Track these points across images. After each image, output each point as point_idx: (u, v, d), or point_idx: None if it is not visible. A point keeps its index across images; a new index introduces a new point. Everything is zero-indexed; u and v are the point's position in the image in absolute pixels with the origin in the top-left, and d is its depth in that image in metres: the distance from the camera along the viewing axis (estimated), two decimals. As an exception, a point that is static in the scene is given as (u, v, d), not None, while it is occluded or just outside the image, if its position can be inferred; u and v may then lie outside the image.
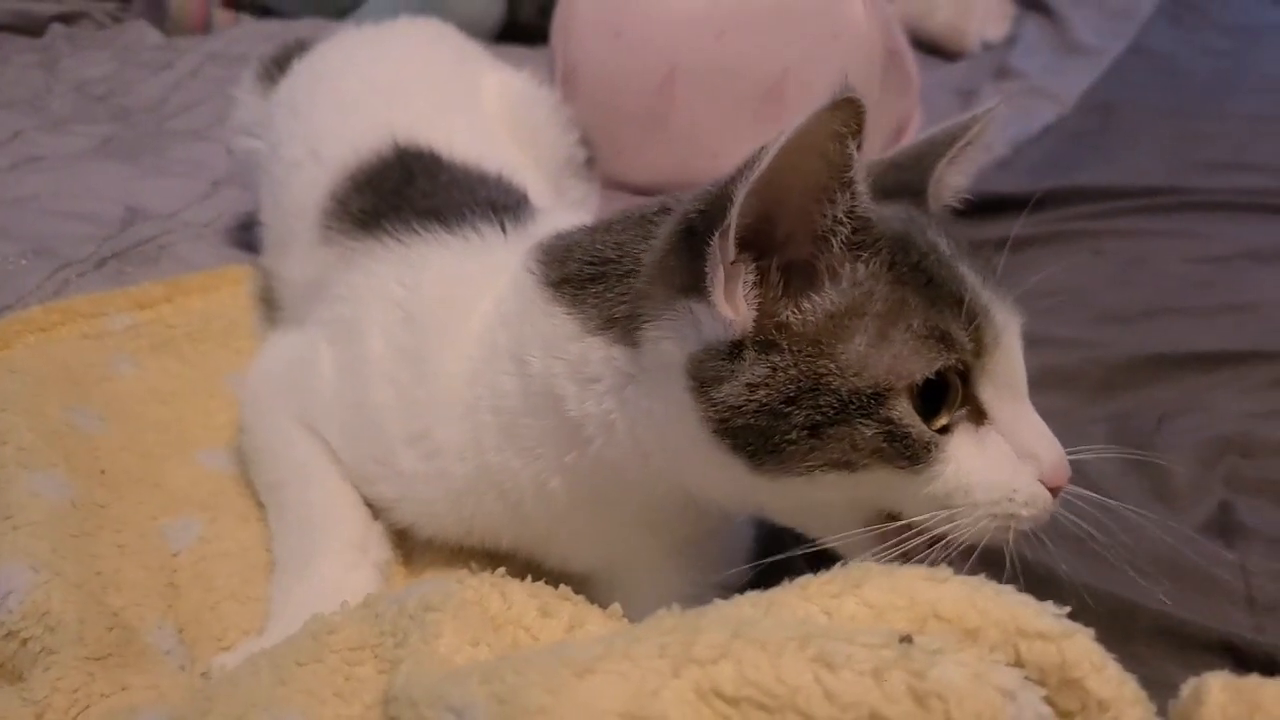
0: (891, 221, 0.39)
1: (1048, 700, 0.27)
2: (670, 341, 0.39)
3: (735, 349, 0.37)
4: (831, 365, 0.37)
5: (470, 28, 0.92)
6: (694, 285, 0.38)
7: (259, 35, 1.44)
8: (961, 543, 0.37)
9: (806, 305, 0.37)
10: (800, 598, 0.30)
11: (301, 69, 0.76)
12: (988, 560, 0.37)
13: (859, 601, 0.29)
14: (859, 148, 0.35)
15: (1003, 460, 0.38)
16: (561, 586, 0.39)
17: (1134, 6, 1.57)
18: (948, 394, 0.38)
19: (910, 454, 0.37)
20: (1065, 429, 0.40)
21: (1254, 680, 0.31)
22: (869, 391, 0.36)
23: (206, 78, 1.30)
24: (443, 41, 0.81)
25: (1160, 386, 0.67)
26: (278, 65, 0.79)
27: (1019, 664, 0.28)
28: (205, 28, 1.57)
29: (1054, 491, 0.38)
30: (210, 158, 1.01)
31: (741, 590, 0.32)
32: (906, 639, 0.27)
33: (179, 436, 0.58)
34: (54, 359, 0.60)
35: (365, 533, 0.51)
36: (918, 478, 0.37)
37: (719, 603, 0.31)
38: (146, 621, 0.45)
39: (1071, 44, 1.46)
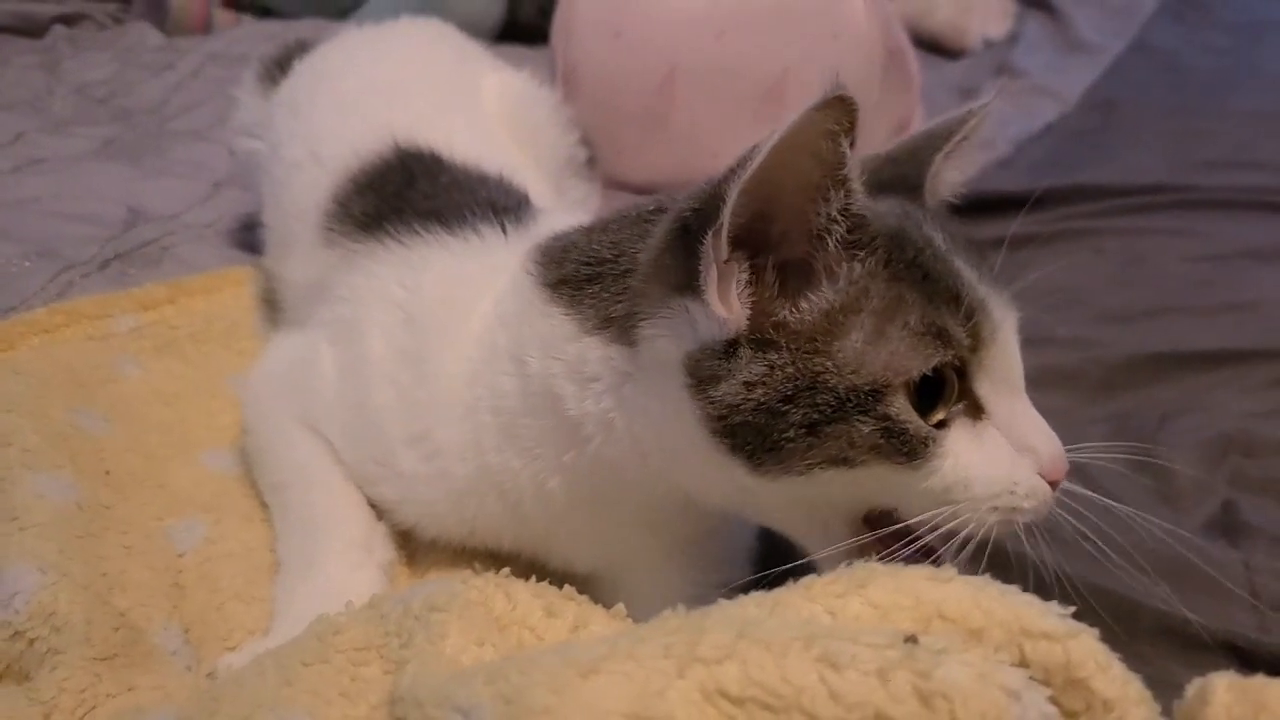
0: (887, 217, 0.39)
1: (1053, 700, 0.28)
2: (666, 340, 0.39)
3: (731, 347, 0.37)
4: (828, 363, 0.37)
5: (470, 28, 0.92)
6: (688, 284, 0.38)
7: (260, 36, 1.44)
8: (968, 538, 0.37)
9: (803, 303, 0.37)
10: (805, 598, 0.30)
11: (302, 70, 0.76)
12: (991, 561, 0.37)
13: (864, 602, 0.29)
14: (852, 145, 0.35)
15: (1001, 454, 0.38)
16: (566, 587, 0.39)
17: (1136, 4, 1.57)
18: (944, 389, 0.38)
19: (908, 450, 0.37)
20: (1066, 429, 0.40)
21: (1259, 680, 0.31)
22: (866, 389, 0.36)
23: (207, 78, 1.30)
24: (443, 42, 0.81)
25: (1161, 386, 0.67)
26: (279, 66, 0.79)
27: (1024, 664, 0.28)
28: (206, 28, 1.57)
29: (1053, 485, 0.38)
30: (211, 159, 1.01)
31: (745, 590, 0.32)
32: (911, 639, 0.27)
33: (183, 437, 0.59)
34: (58, 360, 0.60)
35: (369, 533, 0.51)
36: (916, 473, 0.37)
37: (723, 603, 0.31)
38: (153, 622, 0.45)
39: (1073, 42, 1.46)
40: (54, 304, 0.67)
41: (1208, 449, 0.59)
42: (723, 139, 0.99)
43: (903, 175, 0.44)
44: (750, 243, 0.37)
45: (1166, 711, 0.31)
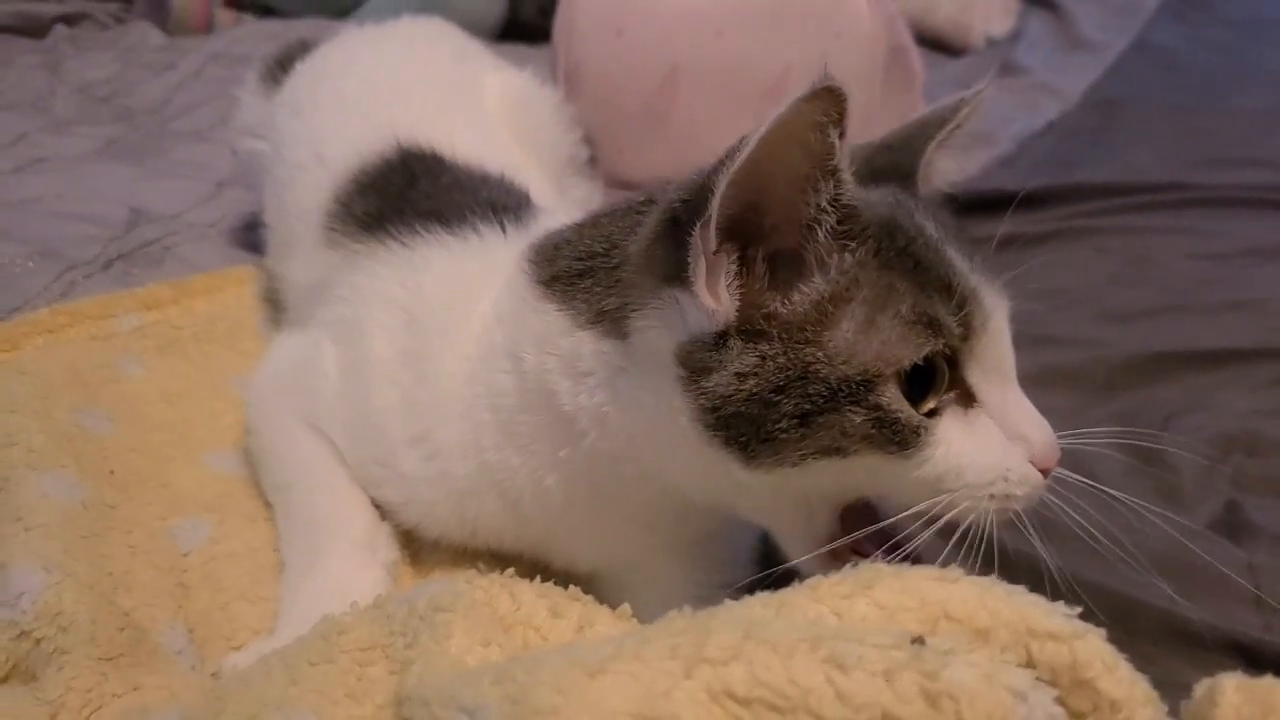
0: (878, 206, 0.39)
1: (1059, 701, 0.27)
2: (657, 331, 0.39)
3: (721, 339, 0.37)
4: (820, 353, 0.37)
5: (471, 26, 0.92)
6: (678, 275, 0.38)
7: (261, 35, 1.44)
8: (965, 526, 0.37)
9: (794, 294, 0.37)
10: (811, 599, 0.30)
11: (304, 70, 0.76)
12: (988, 558, 0.37)
13: (870, 602, 0.29)
14: (842, 136, 0.35)
15: (993, 442, 0.38)
16: (571, 587, 0.39)
17: (1138, 2, 1.57)
18: (935, 378, 0.38)
19: (900, 439, 0.37)
20: (1070, 428, 0.40)
21: (1269, 681, 0.31)
22: (858, 379, 0.36)
23: (209, 78, 1.30)
24: (445, 41, 0.81)
25: (1165, 385, 0.67)
26: (281, 66, 0.79)
27: (1030, 665, 0.28)
28: (207, 28, 1.57)
29: (1045, 473, 0.38)
30: (213, 159, 1.01)
31: (749, 590, 0.32)
32: (918, 640, 0.27)
33: (186, 437, 0.59)
34: (62, 361, 0.60)
35: (373, 533, 0.51)
36: (908, 463, 0.37)
37: (729, 604, 0.31)
38: (158, 622, 0.45)
39: (1075, 39, 1.46)
40: (57, 304, 0.68)
41: (1211, 448, 0.59)
42: (724, 137, 0.97)
43: (896, 163, 0.44)
44: (740, 234, 0.37)
45: (1173, 712, 0.31)
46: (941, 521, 0.38)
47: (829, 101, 0.34)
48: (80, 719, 0.38)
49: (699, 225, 0.36)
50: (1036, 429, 0.39)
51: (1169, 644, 0.45)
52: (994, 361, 0.39)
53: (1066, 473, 0.40)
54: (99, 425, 0.56)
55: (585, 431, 0.42)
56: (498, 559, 0.49)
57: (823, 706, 0.25)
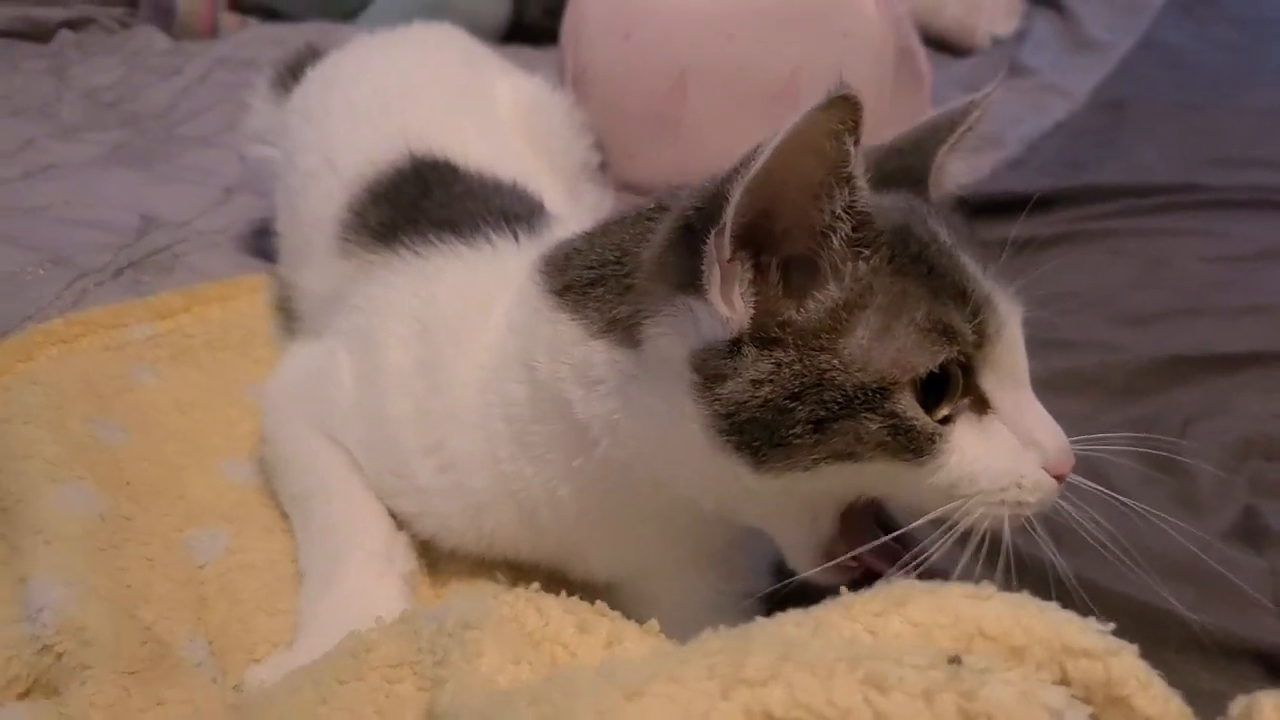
0: (891, 213, 0.39)
1: (1094, 718, 0.27)
2: (670, 338, 0.39)
3: (735, 346, 0.37)
4: (835, 361, 0.37)
5: (476, 28, 0.92)
6: (691, 282, 0.38)
7: (266, 39, 1.44)
8: (978, 532, 0.37)
9: (809, 301, 0.37)
10: (844, 616, 0.30)
11: (315, 77, 0.75)
12: (1004, 565, 0.37)
13: (903, 620, 0.29)
14: (856, 143, 0.35)
15: (1007, 448, 0.38)
16: (598, 602, 0.39)
17: (1144, 0, 1.56)
18: (949, 384, 0.38)
19: (914, 447, 0.37)
20: (1084, 434, 0.40)
21: (1309, 699, 0.31)
22: (873, 386, 0.36)
23: (215, 83, 1.29)
24: (456, 47, 0.81)
25: (1182, 389, 0.67)
26: (292, 72, 0.78)
27: (1065, 682, 0.28)
28: (212, 31, 1.57)
29: (1059, 479, 0.38)
30: (221, 164, 1.01)
31: (768, 600, 0.32)
32: (955, 659, 0.27)
33: (201, 446, 0.58)
34: (75, 371, 0.60)
35: (390, 543, 0.51)
36: (922, 469, 0.37)
37: (763, 621, 0.31)
38: (178, 635, 0.45)
39: (1082, 39, 1.45)
40: (70, 313, 0.67)
41: (1229, 453, 0.59)
42: (734, 140, 0.97)
43: (907, 167, 0.44)
44: (754, 241, 0.37)
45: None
46: (957, 531, 0.37)
47: (845, 109, 0.34)
48: (105, 735, 0.38)
49: (713, 233, 0.36)
50: (1050, 435, 0.39)
51: (1191, 653, 0.45)
52: (1008, 368, 0.39)
53: (1080, 479, 0.39)
54: (113, 436, 0.56)
55: (597, 440, 0.42)
56: (515, 568, 0.49)
57: (861, 727, 0.25)
